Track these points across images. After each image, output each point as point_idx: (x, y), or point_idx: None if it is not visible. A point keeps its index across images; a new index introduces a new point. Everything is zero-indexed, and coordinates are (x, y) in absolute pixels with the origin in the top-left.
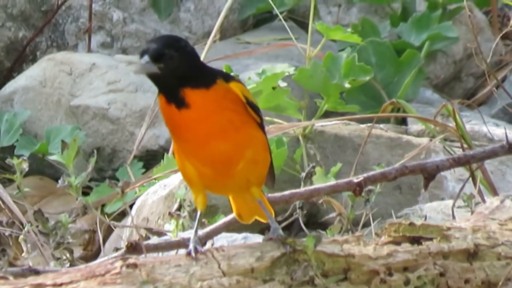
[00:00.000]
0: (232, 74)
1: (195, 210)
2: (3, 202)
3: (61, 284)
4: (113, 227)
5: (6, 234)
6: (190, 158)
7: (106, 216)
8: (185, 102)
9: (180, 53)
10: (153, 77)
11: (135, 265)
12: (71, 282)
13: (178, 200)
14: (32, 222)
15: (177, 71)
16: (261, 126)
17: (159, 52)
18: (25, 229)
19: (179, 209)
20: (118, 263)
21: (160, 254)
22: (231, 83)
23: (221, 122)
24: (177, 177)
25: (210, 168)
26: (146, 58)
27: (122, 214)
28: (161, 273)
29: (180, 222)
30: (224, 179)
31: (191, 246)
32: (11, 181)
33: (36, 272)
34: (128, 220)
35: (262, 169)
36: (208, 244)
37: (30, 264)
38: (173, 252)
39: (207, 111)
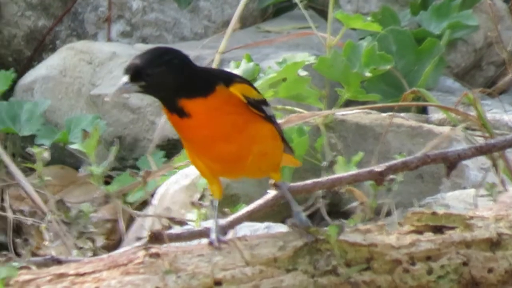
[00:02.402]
0: (252, 63)
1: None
2: (25, 191)
3: (83, 274)
4: (135, 217)
5: (28, 223)
6: (200, 156)
7: (128, 205)
8: (185, 112)
9: (163, 69)
10: (140, 92)
11: (157, 255)
12: (93, 272)
13: (200, 189)
14: (54, 211)
15: (163, 86)
16: (267, 117)
17: (138, 71)
18: (47, 218)
19: (201, 198)
20: (141, 253)
21: (183, 243)
22: (233, 86)
23: (224, 128)
24: None
25: (220, 165)
26: (126, 78)
27: (144, 204)
28: (183, 262)
29: (202, 211)
30: (235, 171)
31: (213, 236)
32: (32, 170)
33: (59, 262)
34: (150, 210)
35: (273, 158)
36: (231, 234)
37: (53, 254)
38: (195, 242)
39: (207, 119)
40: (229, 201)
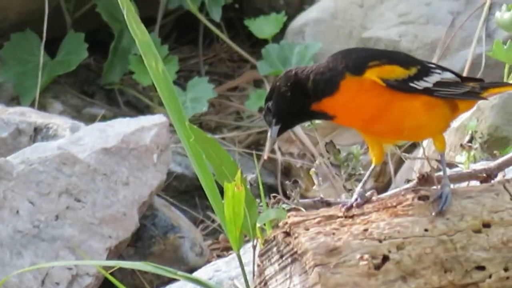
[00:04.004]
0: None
1: (485, 143)
2: (295, 133)
3: (352, 216)
4: (404, 159)
5: (298, 165)
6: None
7: (396, 147)
8: (327, 115)
9: (274, 100)
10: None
11: (426, 197)
12: (362, 214)
13: (470, 131)
14: (323, 153)
15: (282, 113)
16: (422, 90)
17: (265, 114)
18: (317, 160)
19: (470, 140)
20: (410, 195)
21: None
22: (367, 71)
23: (366, 114)
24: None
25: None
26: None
27: (413, 146)
28: (452, 205)
29: (472, 153)
30: (395, 140)
31: (351, 200)
32: None
33: (328, 204)
34: (419, 152)
35: (431, 128)
36: (500, 176)
37: (322, 196)
38: (464, 184)
39: (346, 114)
40: (499, 144)
